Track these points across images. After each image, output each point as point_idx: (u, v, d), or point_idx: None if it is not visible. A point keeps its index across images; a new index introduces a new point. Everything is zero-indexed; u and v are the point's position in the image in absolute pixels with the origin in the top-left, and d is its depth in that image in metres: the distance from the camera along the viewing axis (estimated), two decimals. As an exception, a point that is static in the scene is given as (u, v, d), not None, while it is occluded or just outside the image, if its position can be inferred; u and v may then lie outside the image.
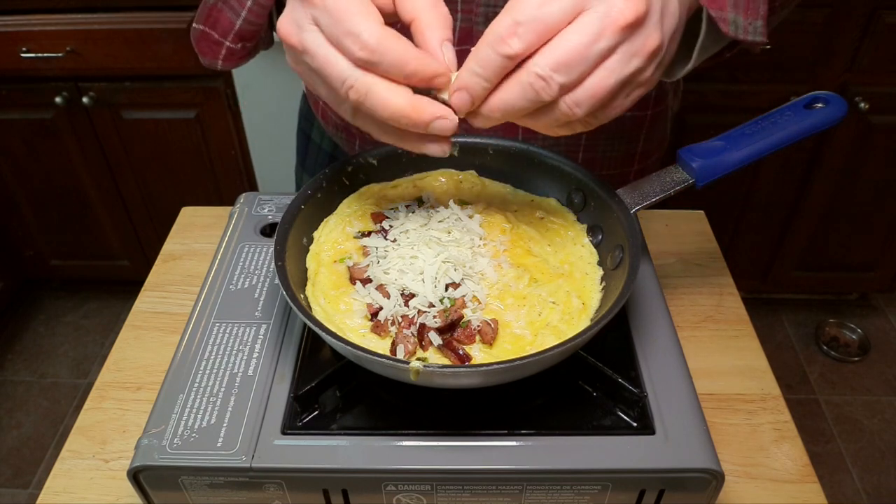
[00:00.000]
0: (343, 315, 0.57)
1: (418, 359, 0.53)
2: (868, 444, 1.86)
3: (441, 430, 0.52)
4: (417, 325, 0.55)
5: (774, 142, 0.63)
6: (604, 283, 0.61)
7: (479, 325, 0.55)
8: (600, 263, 0.63)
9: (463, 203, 0.66)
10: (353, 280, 0.60)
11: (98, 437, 0.65)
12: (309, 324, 0.51)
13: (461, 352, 0.54)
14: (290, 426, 0.53)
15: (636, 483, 0.51)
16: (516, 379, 0.51)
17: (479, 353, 0.54)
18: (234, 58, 0.68)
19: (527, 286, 0.60)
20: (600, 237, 0.64)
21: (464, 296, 0.57)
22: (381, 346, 0.55)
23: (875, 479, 1.79)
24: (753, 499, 0.60)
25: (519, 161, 0.69)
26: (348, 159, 0.67)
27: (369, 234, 0.64)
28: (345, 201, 0.67)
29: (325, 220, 0.65)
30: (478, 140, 0.69)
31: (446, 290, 0.57)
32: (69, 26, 1.57)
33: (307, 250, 0.63)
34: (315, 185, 0.64)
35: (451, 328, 0.55)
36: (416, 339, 0.54)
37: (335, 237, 0.63)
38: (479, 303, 0.57)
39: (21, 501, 1.77)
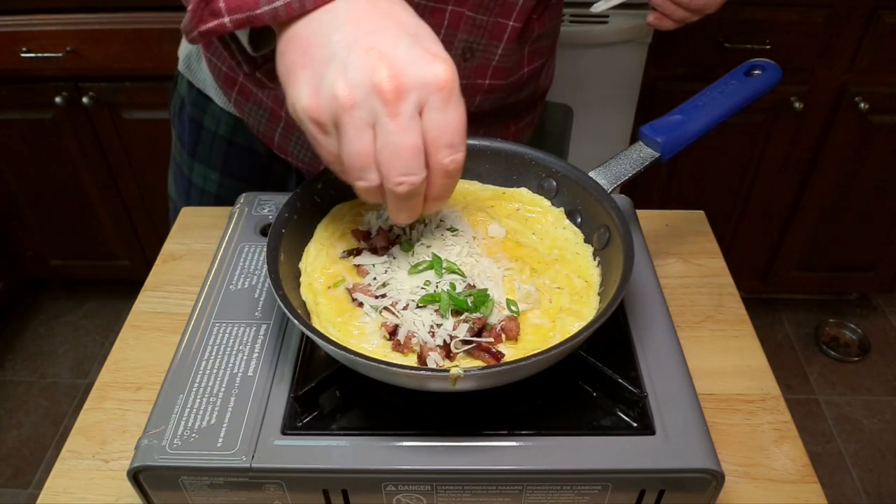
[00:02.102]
0: (358, 340, 0.56)
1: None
2: (868, 444, 1.86)
3: (441, 431, 0.52)
4: (441, 341, 0.54)
5: (726, 109, 0.68)
6: (598, 259, 0.62)
7: (502, 324, 0.55)
8: (587, 242, 0.64)
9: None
10: (356, 302, 0.58)
11: (98, 437, 0.65)
12: (346, 360, 0.50)
13: (494, 350, 0.54)
14: (290, 426, 0.53)
15: (636, 483, 0.51)
16: (539, 371, 0.51)
17: (507, 350, 0.55)
18: (212, 36, 0.51)
19: (529, 277, 0.60)
20: (579, 220, 0.65)
21: (486, 290, 0.57)
22: (406, 363, 0.54)
23: (875, 479, 1.79)
24: (753, 499, 0.60)
25: (481, 157, 0.69)
26: (317, 176, 0.65)
27: (357, 252, 0.63)
28: (320, 225, 0.65)
29: (306, 248, 0.63)
30: None
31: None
32: (69, 26, 1.57)
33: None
34: (290, 208, 0.62)
35: (478, 334, 0.55)
36: (442, 351, 0.54)
37: (321, 263, 0.62)
38: (502, 309, 0.57)
39: (21, 501, 1.77)
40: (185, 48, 0.94)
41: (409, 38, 0.46)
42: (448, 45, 0.77)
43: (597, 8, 0.96)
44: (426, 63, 0.46)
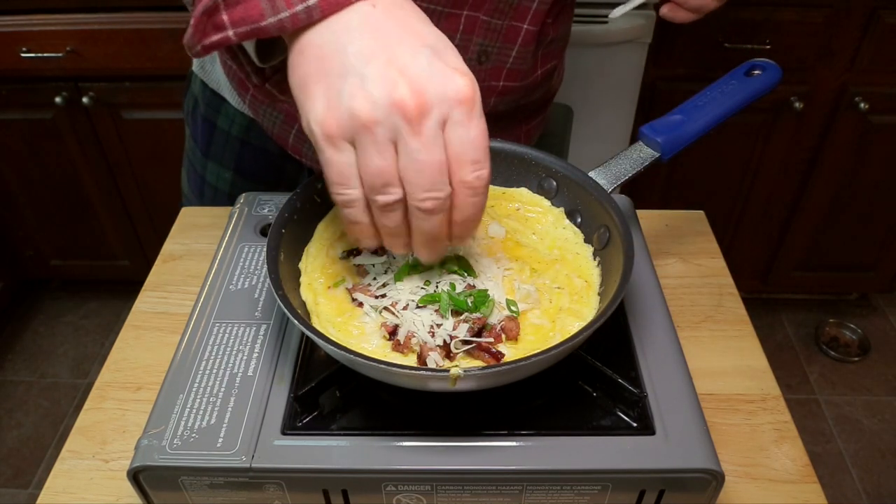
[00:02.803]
0: (358, 340, 0.56)
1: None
2: (868, 444, 1.86)
3: (441, 431, 0.52)
4: (441, 341, 0.54)
5: (726, 109, 0.68)
6: (598, 259, 0.62)
7: (502, 324, 0.55)
8: (587, 242, 0.64)
9: None
10: (356, 302, 0.58)
11: (98, 437, 0.65)
12: (346, 360, 0.50)
13: (494, 350, 0.54)
14: (290, 426, 0.53)
15: (636, 483, 0.51)
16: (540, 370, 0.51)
17: (507, 350, 0.55)
18: (216, 49, 0.50)
19: (529, 277, 0.60)
20: (579, 220, 0.66)
21: (486, 290, 0.57)
22: (406, 363, 0.54)
23: (875, 479, 1.79)
24: (753, 499, 0.60)
25: None
26: (317, 176, 0.64)
27: (357, 252, 0.62)
28: (319, 225, 0.65)
29: (306, 248, 0.63)
30: None
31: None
32: (69, 26, 1.57)
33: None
34: (290, 208, 0.62)
35: (478, 334, 0.55)
36: (442, 351, 0.54)
37: (321, 263, 0.62)
38: (502, 309, 0.57)
39: (21, 501, 1.77)
40: None
41: (428, 51, 0.45)
42: (463, 49, 0.77)
43: (614, 15, 0.95)
44: (447, 77, 0.44)
